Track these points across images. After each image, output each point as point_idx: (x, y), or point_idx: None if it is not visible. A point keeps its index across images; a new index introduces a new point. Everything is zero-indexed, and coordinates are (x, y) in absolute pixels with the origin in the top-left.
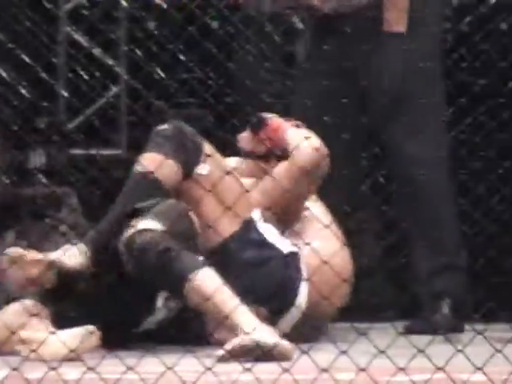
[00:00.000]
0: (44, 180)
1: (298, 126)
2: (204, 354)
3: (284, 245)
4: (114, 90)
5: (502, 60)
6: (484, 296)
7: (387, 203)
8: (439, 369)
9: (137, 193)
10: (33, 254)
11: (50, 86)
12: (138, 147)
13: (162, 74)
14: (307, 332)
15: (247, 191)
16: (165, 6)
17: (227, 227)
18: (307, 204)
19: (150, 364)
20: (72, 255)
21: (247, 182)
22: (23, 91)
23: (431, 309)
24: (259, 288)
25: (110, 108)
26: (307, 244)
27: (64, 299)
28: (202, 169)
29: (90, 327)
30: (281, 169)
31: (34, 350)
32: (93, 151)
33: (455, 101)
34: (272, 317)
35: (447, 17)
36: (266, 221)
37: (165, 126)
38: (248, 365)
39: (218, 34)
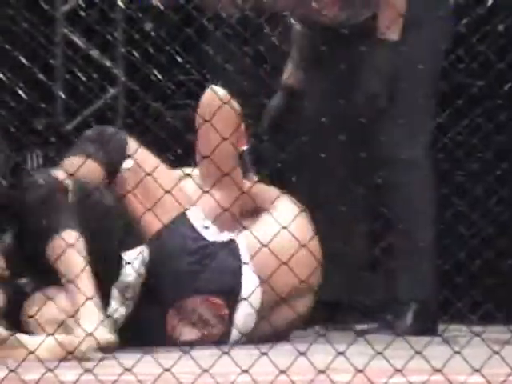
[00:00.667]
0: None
1: None
2: (201, 355)
3: (219, 236)
4: (112, 91)
5: (499, 61)
6: (481, 298)
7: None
8: (437, 370)
9: None
10: None
11: (48, 87)
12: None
13: (160, 76)
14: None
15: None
16: (162, 7)
17: (157, 222)
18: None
19: (147, 365)
20: None
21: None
22: (20, 92)
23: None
24: (205, 281)
25: (108, 109)
26: (244, 228)
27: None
28: (126, 164)
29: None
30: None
31: None
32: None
33: (452, 102)
34: (229, 305)
35: (443, 17)
36: (206, 217)
37: (87, 131)
38: (245, 366)
39: (215, 35)
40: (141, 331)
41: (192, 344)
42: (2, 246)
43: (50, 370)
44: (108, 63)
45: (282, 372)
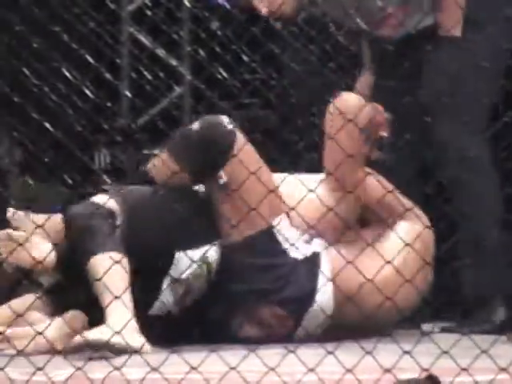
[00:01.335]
0: (108, 180)
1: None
2: (267, 353)
3: (301, 249)
4: (178, 90)
5: None
6: None
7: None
8: (502, 369)
9: None
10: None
11: (114, 86)
12: None
13: (225, 75)
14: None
15: (272, 192)
16: (228, 6)
17: (244, 229)
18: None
19: (214, 364)
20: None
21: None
22: (87, 92)
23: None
24: (270, 291)
25: (174, 108)
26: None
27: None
28: (221, 178)
29: (68, 315)
30: None
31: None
32: (157, 152)
33: None
34: (293, 317)
35: (508, 18)
36: (292, 225)
37: (192, 126)
38: (311, 365)
39: (281, 34)
40: (204, 329)
41: (254, 341)
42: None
43: (117, 369)
44: (174, 62)
45: (348, 371)
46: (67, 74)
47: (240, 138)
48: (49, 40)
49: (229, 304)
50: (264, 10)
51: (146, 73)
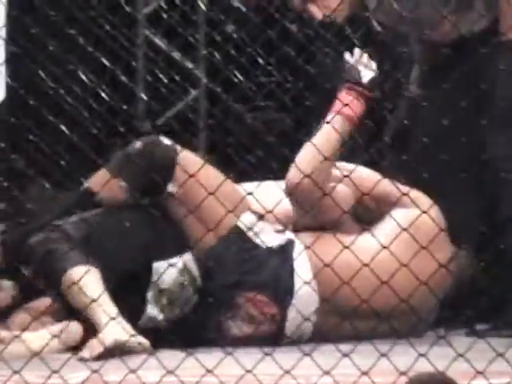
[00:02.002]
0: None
1: None
2: (282, 356)
3: (274, 239)
4: (193, 93)
5: None
6: None
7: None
8: None
9: (74, 206)
10: None
11: (130, 89)
12: (217, 150)
13: (241, 78)
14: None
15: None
16: (244, 9)
17: (211, 237)
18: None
19: (229, 367)
20: None
21: None
22: (103, 94)
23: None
24: (253, 280)
25: (189, 111)
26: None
27: None
28: (171, 187)
29: (57, 327)
30: None
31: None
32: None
33: None
34: (276, 303)
35: None
36: (260, 219)
37: (134, 145)
38: (326, 367)
39: (296, 36)
40: (195, 333)
41: (242, 341)
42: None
43: (132, 372)
44: (189, 65)
45: (364, 374)
46: (83, 76)
47: (182, 150)
48: (65, 43)
49: (215, 307)
50: (319, 15)
51: (161, 76)
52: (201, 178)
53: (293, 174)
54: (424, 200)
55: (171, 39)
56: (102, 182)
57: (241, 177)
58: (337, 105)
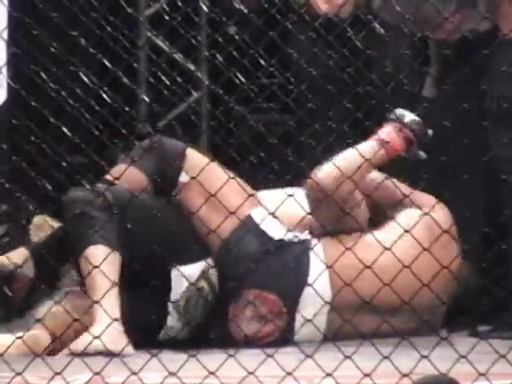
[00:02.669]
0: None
1: None
2: (285, 358)
3: (286, 236)
4: (195, 95)
5: None
6: None
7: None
8: None
9: None
10: None
11: (132, 90)
12: (219, 152)
13: (243, 79)
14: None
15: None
16: (245, 10)
17: (225, 227)
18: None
19: (231, 368)
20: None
21: None
22: (104, 96)
23: None
24: (262, 277)
25: (191, 113)
26: None
27: None
28: (184, 176)
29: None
30: None
31: None
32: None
33: None
34: (285, 302)
35: None
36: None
37: (144, 141)
38: (329, 369)
39: (299, 38)
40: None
41: (253, 340)
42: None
43: (134, 374)
44: (191, 67)
45: (366, 375)
46: (85, 78)
47: (191, 151)
48: (66, 44)
49: (227, 305)
50: (323, 8)
51: (163, 77)
52: (211, 169)
53: (320, 171)
54: (434, 201)
55: (173, 41)
56: (120, 174)
57: (242, 178)
58: (382, 135)
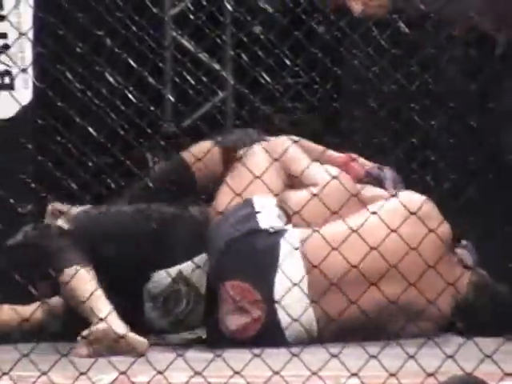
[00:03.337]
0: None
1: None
2: (310, 358)
3: (272, 223)
4: (221, 94)
5: None
6: None
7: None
8: None
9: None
10: None
11: (157, 90)
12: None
13: (268, 79)
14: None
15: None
16: (270, 10)
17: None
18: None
19: (257, 368)
20: None
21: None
22: (130, 96)
23: None
24: (237, 266)
25: (217, 112)
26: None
27: None
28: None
29: None
30: None
31: None
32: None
33: None
34: (260, 291)
35: None
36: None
37: None
38: (354, 369)
39: (324, 38)
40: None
41: (239, 334)
42: None
43: (160, 373)
44: (217, 66)
45: (392, 375)
46: (110, 78)
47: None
48: (92, 44)
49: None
50: (358, 10)
51: (188, 77)
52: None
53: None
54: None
55: (198, 40)
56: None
57: None
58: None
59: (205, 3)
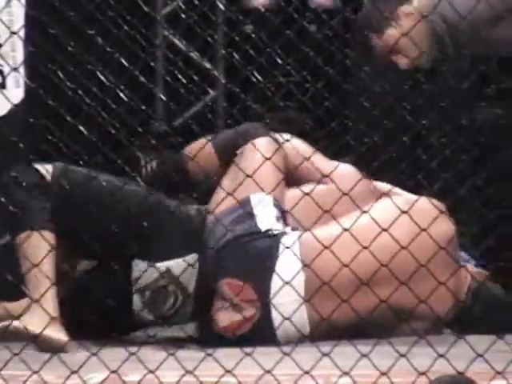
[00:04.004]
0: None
1: None
2: (301, 357)
3: (270, 224)
4: (212, 93)
5: None
6: None
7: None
8: None
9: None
10: None
11: (148, 89)
12: None
13: (260, 78)
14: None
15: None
16: (262, 9)
17: (223, 205)
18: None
19: (248, 367)
20: None
21: None
22: (121, 95)
23: None
24: (234, 264)
25: (208, 112)
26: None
27: None
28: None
29: None
30: None
31: None
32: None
33: None
34: (255, 288)
35: None
36: (276, 203)
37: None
38: (346, 368)
39: (315, 37)
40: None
41: (230, 330)
42: None
43: (151, 372)
44: (208, 65)
45: (383, 374)
46: (102, 77)
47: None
48: (83, 43)
49: (208, 297)
50: (404, 64)
51: (180, 76)
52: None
53: None
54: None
55: (190, 39)
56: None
57: None
58: None
59: (197, 2)
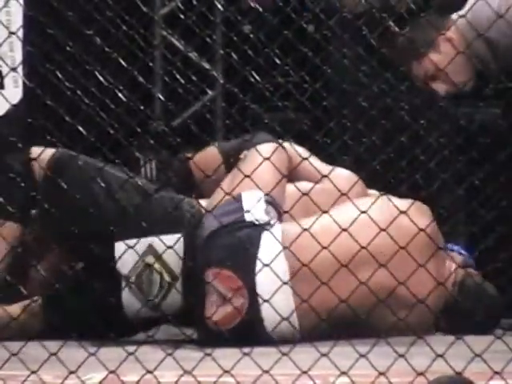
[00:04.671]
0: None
1: None
2: (300, 357)
3: (258, 215)
4: (210, 93)
5: None
6: None
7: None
8: None
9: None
10: None
11: (147, 89)
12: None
13: (258, 78)
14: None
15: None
16: (260, 9)
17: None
18: None
19: (246, 367)
20: None
21: None
22: (120, 95)
23: None
24: (219, 254)
25: (206, 112)
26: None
27: None
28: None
29: None
30: None
31: None
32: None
33: None
34: (243, 277)
35: None
36: (268, 202)
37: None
38: (344, 368)
39: (314, 37)
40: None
41: (222, 324)
42: None
43: (150, 372)
44: (206, 65)
45: (381, 374)
46: (100, 77)
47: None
48: (82, 43)
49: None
50: (443, 91)
51: (178, 76)
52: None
53: None
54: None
55: (188, 40)
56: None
57: None
58: None
59: (195, 2)
